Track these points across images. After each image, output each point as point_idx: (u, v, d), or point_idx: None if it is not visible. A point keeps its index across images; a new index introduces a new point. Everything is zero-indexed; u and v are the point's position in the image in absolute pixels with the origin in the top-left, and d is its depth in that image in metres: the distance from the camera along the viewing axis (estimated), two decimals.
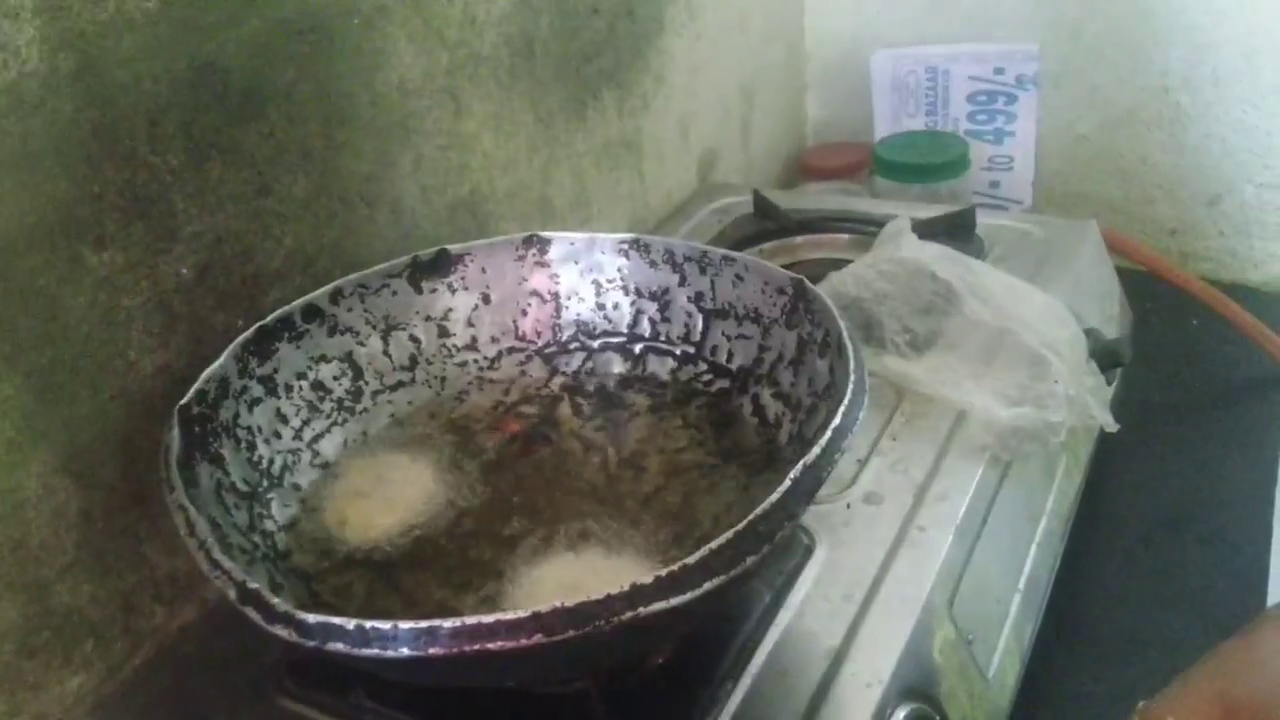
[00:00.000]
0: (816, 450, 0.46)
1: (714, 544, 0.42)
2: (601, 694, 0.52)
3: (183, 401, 0.52)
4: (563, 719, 0.52)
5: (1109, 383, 0.83)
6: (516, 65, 0.76)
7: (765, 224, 0.96)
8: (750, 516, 0.43)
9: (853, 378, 0.50)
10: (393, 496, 0.60)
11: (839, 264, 0.89)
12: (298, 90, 0.60)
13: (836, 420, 0.47)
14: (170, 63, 0.54)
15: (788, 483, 0.44)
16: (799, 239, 0.94)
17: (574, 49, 0.83)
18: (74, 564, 0.53)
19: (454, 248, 0.65)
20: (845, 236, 0.93)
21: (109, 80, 0.51)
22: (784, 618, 0.57)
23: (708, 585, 0.41)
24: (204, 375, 0.54)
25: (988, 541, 0.64)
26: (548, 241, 0.67)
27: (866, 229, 0.93)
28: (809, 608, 0.57)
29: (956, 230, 0.90)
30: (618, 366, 0.67)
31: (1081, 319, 0.83)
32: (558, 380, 0.67)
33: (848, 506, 0.64)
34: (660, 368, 0.66)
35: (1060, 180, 1.22)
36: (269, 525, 0.56)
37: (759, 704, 0.52)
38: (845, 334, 0.54)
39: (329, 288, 0.61)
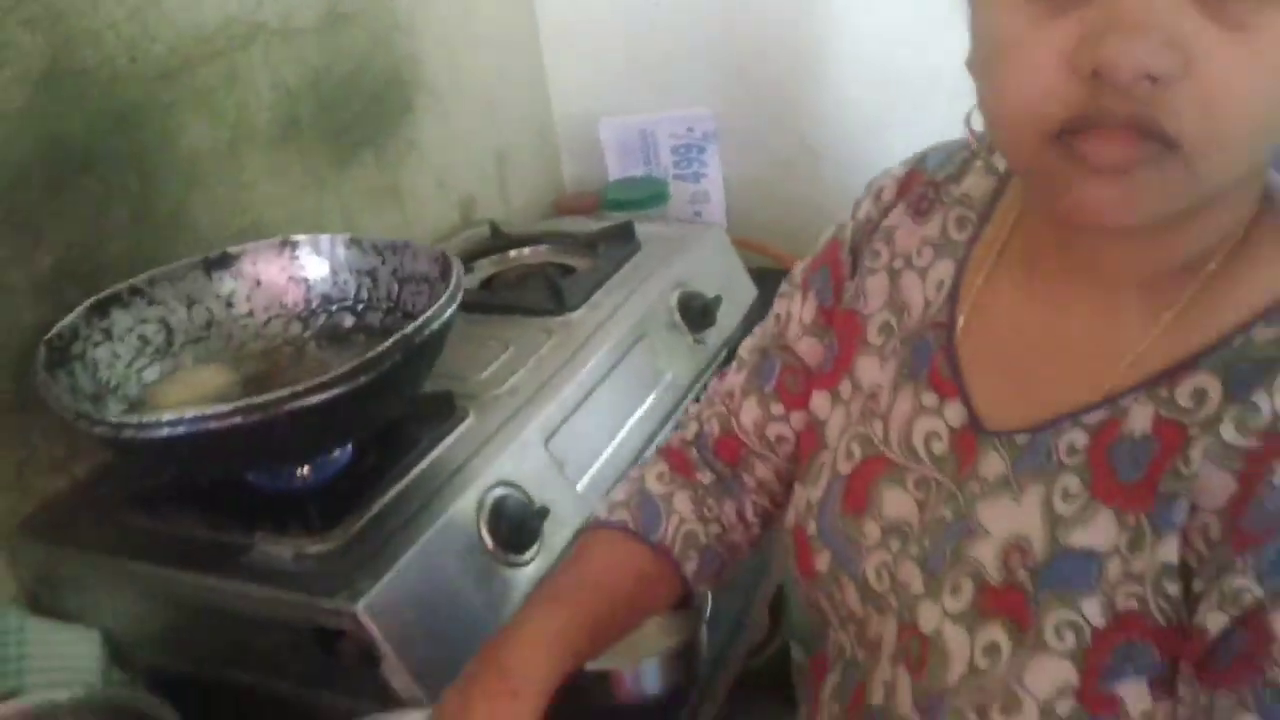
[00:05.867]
0: (410, 329, 0.82)
1: (348, 366, 0.77)
2: (310, 490, 0.86)
3: (47, 336, 0.86)
4: (285, 509, 0.86)
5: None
6: (286, 134, 1.13)
7: (495, 241, 1.34)
8: (365, 357, 0.78)
9: (447, 295, 0.86)
10: (194, 385, 0.94)
11: (541, 265, 1.27)
12: (121, 152, 0.95)
13: (430, 314, 0.84)
14: (34, 139, 0.89)
15: (394, 341, 0.80)
16: (513, 252, 1.32)
17: (333, 124, 1.20)
18: None
19: (233, 249, 1.00)
20: (545, 246, 1.32)
21: None
22: (437, 449, 0.92)
23: (337, 390, 0.77)
24: (60, 323, 0.88)
25: (592, 406, 1.01)
26: (298, 243, 1.02)
27: (560, 241, 1.32)
28: (452, 446, 0.93)
29: (621, 235, 1.28)
30: (348, 320, 1.03)
31: (700, 286, 1.22)
32: (309, 332, 1.03)
33: (495, 397, 1.00)
34: (374, 319, 1.02)
35: (746, 209, 1.63)
36: (109, 415, 0.89)
37: (411, 494, 0.87)
38: (457, 274, 0.90)
39: (146, 275, 0.95)
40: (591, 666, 0.81)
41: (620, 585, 0.71)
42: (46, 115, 0.89)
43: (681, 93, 1.59)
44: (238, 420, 0.75)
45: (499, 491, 0.89)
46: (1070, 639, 0.51)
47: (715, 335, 1.22)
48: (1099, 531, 0.51)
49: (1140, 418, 0.51)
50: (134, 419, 0.76)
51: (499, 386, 1.01)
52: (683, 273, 1.22)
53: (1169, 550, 0.49)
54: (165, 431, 0.75)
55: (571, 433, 0.98)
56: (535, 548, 0.89)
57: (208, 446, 0.78)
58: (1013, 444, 0.56)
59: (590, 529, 0.75)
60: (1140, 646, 0.50)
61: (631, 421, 1.06)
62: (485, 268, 1.30)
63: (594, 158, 1.68)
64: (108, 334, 0.93)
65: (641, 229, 1.31)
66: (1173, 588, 0.49)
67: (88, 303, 0.91)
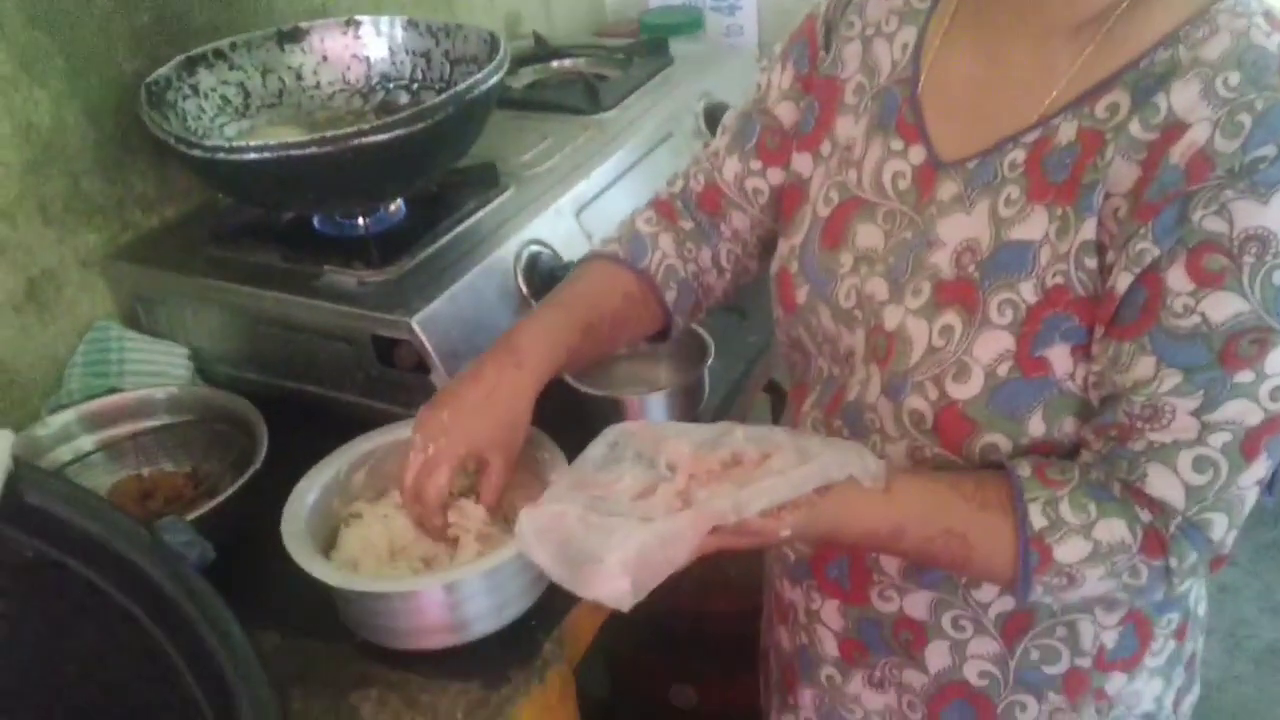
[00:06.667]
0: (461, 87, 0.93)
1: (408, 113, 0.89)
2: (371, 236, 0.99)
3: (147, 80, 0.98)
4: (348, 249, 0.99)
5: None
6: None
7: (538, 50, 1.43)
8: (423, 106, 0.90)
9: (494, 63, 0.97)
10: (269, 135, 1.06)
11: (580, 74, 1.37)
12: None
13: (480, 77, 0.94)
14: None
15: (447, 95, 0.91)
16: (555, 62, 1.42)
17: None
18: (92, 170, 0.99)
19: (303, 24, 1.11)
20: (584, 59, 1.41)
21: None
22: (480, 212, 1.04)
23: (398, 131, 0.88)
24: (155, 73, 1.00)
25: (619, 190, 1.12)
26: (360, 22, 1.13)
27: (598, 53, 1.41)
28: (494, 210, 1.05)
29: (655, 50, 1.38)
30: (404, 97, 1.14)
31: (726, 98, 1.31)
32: (369, 106, 1.14)
33: (534, 175, 1.11)
34: (428, 98, 1.13)
35: (776, 39, 1.70)
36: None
37: (458, 244, 1.00)
38: (504, 48, 1.01)
39: (227, 40, 1.07)
40: (606, 394, 0.95)
41: (609, 300, 0.84)
42: None
43: None
44: (314, 150, 0.87)
45: (533, 248, 1.01)
46: (1009, 314, 0.64)
47: None
48: (1034, 225, 0.64)
49: (1067, 131, 0.63)
50: (226, 144, 0.88)
51: (538, 167, 1.13)
52: (710, 85, 1.31)
53: (1088, 229, 0.61)
54: (252, 156, 0.87)
55: (599, 210, 1.10)
56: None
57: (288, 175, 0.90)
58: (965, 170, 0.67)
59: (586, 258, 0.89)
60: (1064, 316, 0.63)
61: None
62: (528, 74, 1.40)
63: None
64: (195, 90, 1.05)
65: (675, 48, 1.40)
66: (1091, 262, 0.61)
67: (179, 58, 1.03)
